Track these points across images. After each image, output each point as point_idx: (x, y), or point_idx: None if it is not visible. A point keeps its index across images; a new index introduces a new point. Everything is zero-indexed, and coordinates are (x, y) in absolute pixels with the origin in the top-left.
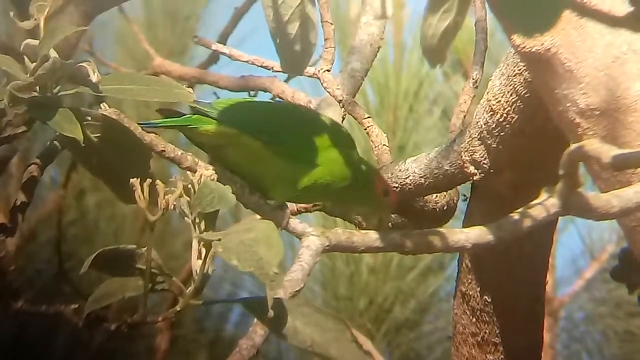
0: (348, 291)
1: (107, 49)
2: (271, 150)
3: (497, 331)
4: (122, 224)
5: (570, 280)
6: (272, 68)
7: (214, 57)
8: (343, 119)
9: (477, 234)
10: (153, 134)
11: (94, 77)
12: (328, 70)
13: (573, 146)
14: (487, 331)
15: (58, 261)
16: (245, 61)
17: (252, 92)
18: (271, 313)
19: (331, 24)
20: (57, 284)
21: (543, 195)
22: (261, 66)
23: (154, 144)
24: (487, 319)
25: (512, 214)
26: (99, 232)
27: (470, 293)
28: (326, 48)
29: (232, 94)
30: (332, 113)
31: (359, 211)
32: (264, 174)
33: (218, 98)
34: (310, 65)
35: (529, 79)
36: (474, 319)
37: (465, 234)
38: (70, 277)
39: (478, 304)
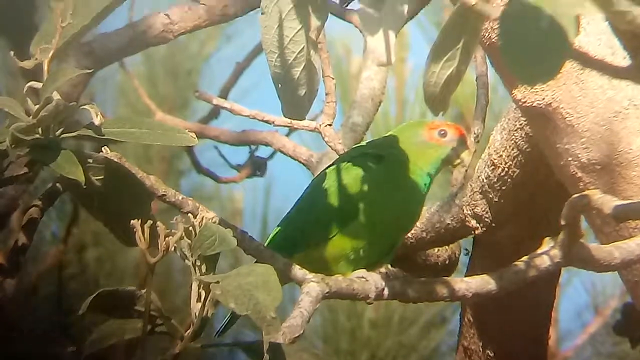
0: (350, 345)
1: (108, 104)
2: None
3: None
4: (123, 278)
5: (574, 334)
6: (274, 122)
7: (215, 111)
8: None
9: (479, 283)
10: (154, 177)
11: (97, 120)
12: (329, 125)
13: (575, 196)
14: None
15: (58, 315)
16: (247, 115)
17: (252, 146)
18: (267, 357)
19: (332, 78)
20: (58, 337)
21: (545, 246)
22: (262, 120)
23: (155, 188)
24: None
25: (514, 264)
26: (99, 287)
27: (473, 348)
28: (327, 102)
29: (233, 147)
30: None
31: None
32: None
33: (219, 153)
34: (311, 120)
35: (530, 134)
36: None
37: (467, 283)
38: (70, 332)
39: (480, 359)
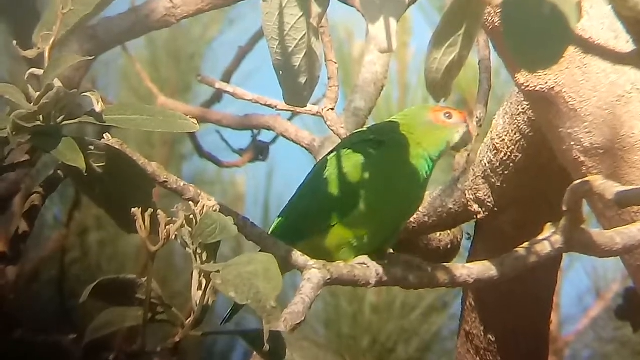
0: (351, 330)
1: (111, 88)
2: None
3: None
4: (125, 262)
5: (575, 318)
6: (276, 107)
7: (218, 95)
8: None
9: (480, 269)
10: (155, 164)
11: (98, 107)
12: (332, 109)
13: (577, 182)
14: None
15: (60, 300)
16: (249, 100)
17: (255, 131)
18: (267, 347)
19: (335, 63)
20: (59, 322)
21: (547, 231)
22: (265, 104)
23: (157, 175)
24: (491, 358)
25: (515, 250)
26: (102, 271)
27: (474, 332)
28: (330, 87)
29: (235, 131)
30: None
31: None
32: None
33: (222, 137)
34: (313, 104)
35: (532, 118)
36: (478, 358)
37: (468, 269)
38: (71, 317)
39: (482, 343)
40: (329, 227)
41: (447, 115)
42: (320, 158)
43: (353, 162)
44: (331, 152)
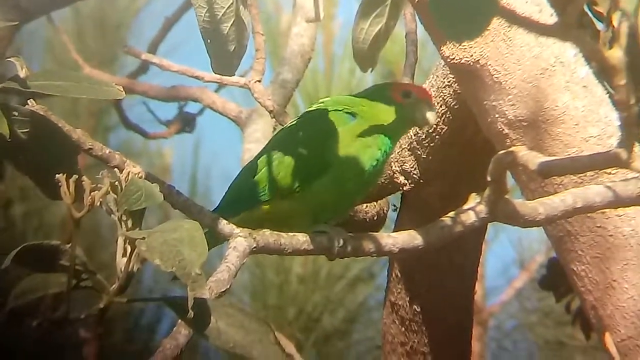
0: (277, 301)
1: (35, 59)
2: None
3: (426, 340)
4: (50, 234)
5: (500, 289)
6: (203, 78)
7: (144, 66)
8: (274, 129)
9: (405, 238)
10: (80, 130)
11: (22, 73)
12: (259, 81)
13: (501, 152)
14: (416, 340)
15: None
16: (176, 71)
17: (181, 102)
18: (191, 313)
19: (262, 35)
20: None
21: (472, 201)
22: (191, 76)
23: (82, 142)
24: (416, 328)
25: (440, 219)
26: (26, 242)
27: (400, 303)
28: (257, 59)
29: (161, 103)
30: (263, 124)
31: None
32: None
33: (148, 108)
34: (241, 76)
35: (458, 91)
36: (403, 329)
37: (393, 238)
38: None
39: (407, 314)
40: (293, 193)
41: (407, 93)
42: (249, 130)
43: (320, 129)
44: (294, 120)
